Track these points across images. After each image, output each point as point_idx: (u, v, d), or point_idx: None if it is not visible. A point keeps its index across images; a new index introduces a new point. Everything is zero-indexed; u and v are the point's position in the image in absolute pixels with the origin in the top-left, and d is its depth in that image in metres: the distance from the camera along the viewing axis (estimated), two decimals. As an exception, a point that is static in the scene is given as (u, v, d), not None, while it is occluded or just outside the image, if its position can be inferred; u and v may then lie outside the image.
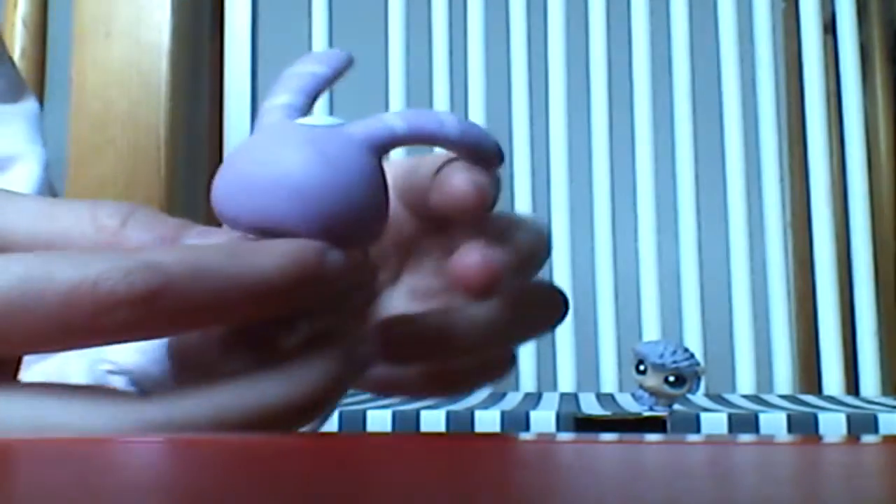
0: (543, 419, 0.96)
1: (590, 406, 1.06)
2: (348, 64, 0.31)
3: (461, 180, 0.27)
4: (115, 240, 0.26)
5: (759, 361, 1.27)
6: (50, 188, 0.56)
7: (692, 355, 0.90)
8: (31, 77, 1.08)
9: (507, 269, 0.27)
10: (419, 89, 1.33)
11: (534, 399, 1.13)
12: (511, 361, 0.33)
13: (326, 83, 0.29)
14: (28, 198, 0.27)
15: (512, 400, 1.12)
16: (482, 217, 0.28)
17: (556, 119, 1.32)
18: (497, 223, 0.30)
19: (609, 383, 1.27)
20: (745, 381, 1.26)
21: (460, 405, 1.04)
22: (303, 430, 0.28)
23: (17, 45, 1.10)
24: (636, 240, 1.30)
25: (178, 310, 0.24)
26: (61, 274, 0.23)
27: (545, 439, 0.27)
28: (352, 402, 1.01)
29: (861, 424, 0.95)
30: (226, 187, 0.26)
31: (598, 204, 1.31)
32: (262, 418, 0.25)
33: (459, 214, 0.28)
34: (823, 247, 1.29)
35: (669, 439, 0.26)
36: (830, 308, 1.28)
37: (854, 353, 1.28)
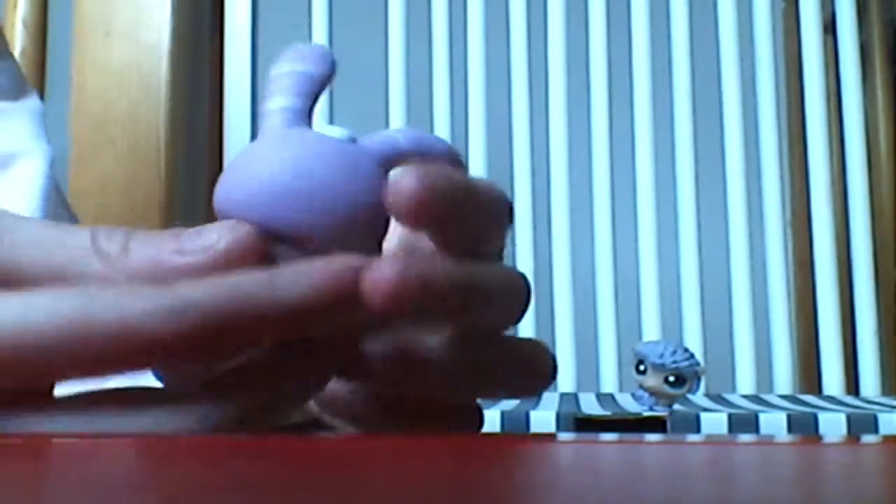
0: (543, 419, 0.96)
1: (590, 406, 1.06)
2: (334, 63, 0.30)
3: (408, 178, 0.25)
4: (120, 265, 0.26)
5: (759, 361, 1.27)
6: (56, 186, 0.56)
7: (692, 355, 0.90)
8: (31, 77, 1.08)
9: (425, 289, 0.24)
10: (419, 89, 1.33)
11: (534, 399, 1.13)
12: (473, 417, 0.31)
13: (322, 85, 0.29)
14: (30, 224, 0.27)
15: (512, 400, 1.12)
16: (445, 225, 0.26)
17: (556, 119, 1.32)
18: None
19: (609, 383, 1.27)
20: (745, 381, 1.26)
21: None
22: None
23: (17, 45, 1.10)
24: (636, 240, 1.30)
25: (218, 343, 0.24)
26: (104, 315, 0.24)
27: (545, 439, 0.27)
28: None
29: (861, 424, 0.95)
30: (235, 192, 0.26)
31: (598, 204, 1.31)
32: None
33: (408, 217, 0.25)
34: (823, 247, 1.29)
35: (669, 439, 0.26)
36: (830, 308, 1.28)
37: (854, 353, 1.28)
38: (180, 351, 0.24)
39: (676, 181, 1.31)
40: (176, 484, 0.17)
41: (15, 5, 1.11)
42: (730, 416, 0.95)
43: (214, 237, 0.26)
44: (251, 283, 0.24)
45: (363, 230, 0.26)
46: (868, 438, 0.26)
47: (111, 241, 0.26)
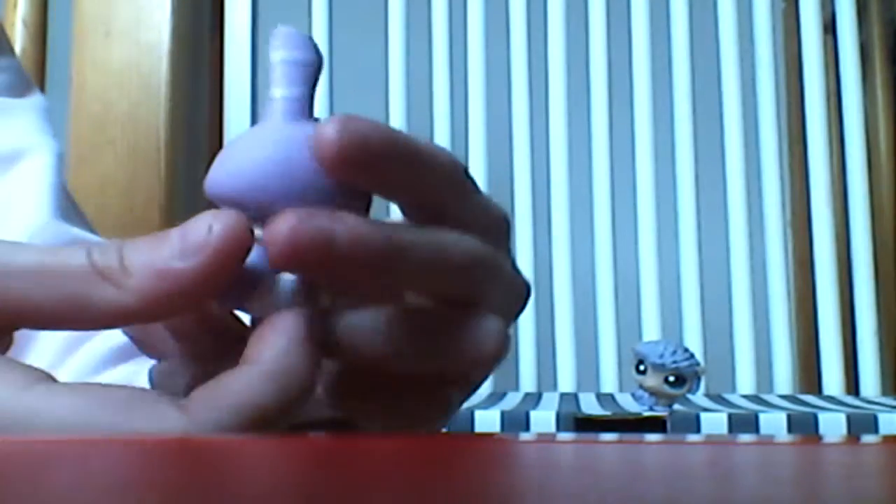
0: (543, 419, 0.96)
1: (590, 406, 1.06)
2: (319, 51, 0.30)
3: (330, 126, 0.26)
4: (121, 280, 0.26)
5: (759, 361, 1.27)
6: (63, 182, 0.56)
7: (692, 355, 0.90)
8: (31, 77, 1.08)
9: (321, 243, 0.25)
10: (419, 89, 1.33)
11: (534, 399, 1.13)
12: (445, 403, 0.31)
13: (316, 71, 0.29)
14: (26, 254, 0.27)
15: (512, 400, 1.12)
16: (374, 177, 0.27)
17: (556, 119, 1.32)
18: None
19: (609, 383, 1.27)
20: (745, 381, 1.26)
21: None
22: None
23: (17, 45, 1.10)
24: (636, 240, 1.30)
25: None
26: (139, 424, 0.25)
27: (545, 439, 0.27)
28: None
29: (861, 424, 0.95)
30: (232, 175, 0.27)
31: (598, 204, 1.31)
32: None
33: (331, 165, 0.26)
34: (823, 247, 1.29)
35: (669, 439, 0.26)
36: (830, 308, 1.28)
37: (854, 353, 1.28)
38: None
39: (676, 181, 1.31)
40: (175, 483, 0.17)
41: (15, 5, 1.11)
42: (730, 416, 0.95)
43: (204, 230, 0.26)
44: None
45: (340, 208, 0.27)
46: (868, 438, 0.26)
47: (106, 256, 0.26)
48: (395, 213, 0.30)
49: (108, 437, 0.24)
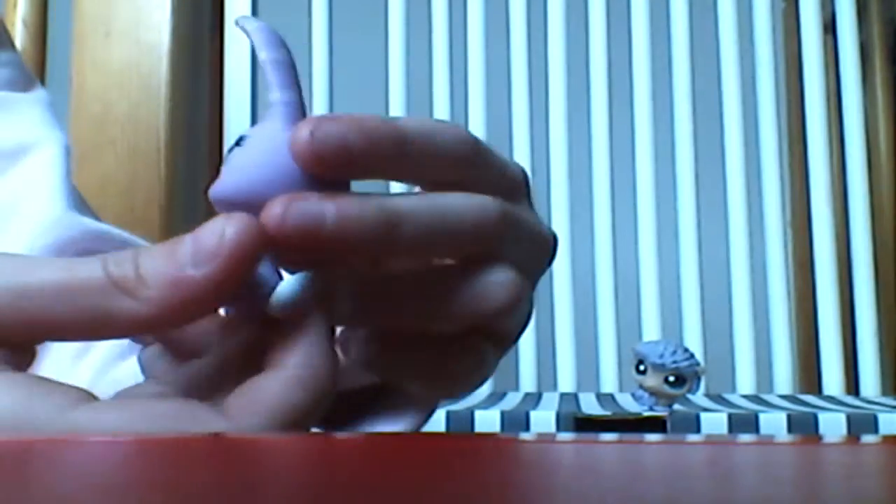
0: (543, 419, 0.96)
1: (590, 406, 1.06)
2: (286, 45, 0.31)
3: (301, 129, 0.27)
4: (137, 290, 0.26)
5: (759, 361, 1.27)
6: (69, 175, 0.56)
7: (692, 355, 0.90)
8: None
9: (314, 223, 0.26)
10: (419, 89, 1.33)
11: (534, 399, 1.13)
12: (480, 360, 0.32)
13: (293, 69, 0.30)
14: (42, 269, 0.27)
15: (512, 400, 1.12)
16: (354, 168, 0.28)
17: (556, 119, 1.32)
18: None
19: (609, 383, 1.27)
20: (745, 381, 1.26)
21: (460, 405, 1.04)
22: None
23: (17, 45, 1.10)
24: (636, 240, 1.30)
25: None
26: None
27: (545, 439, 0.27)
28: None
29: (861, 424, 0.95)
30: (236, 182, 0.28)
31: (598, 204, 1.31)
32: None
33: (308, 167, 0.27)
34: (823, 247, 1.29)
35: (669, 439, 0.26)
36: (830, 308, 1.28)
37: (854, 353, 1.28)
38: None
39: (676, 181, 1.31)
40: (175, 483, 0.17)
41: (15, 5, 1.11)
42: (730, 416, 0.95)
43: (217, 235, 0.26)
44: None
45: None
46: (868, 438, 0.26)
47: (122, 268, 0.26)
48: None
49: (109, 437, 0.24)
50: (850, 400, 1.17)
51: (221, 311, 0.31)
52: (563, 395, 1.19)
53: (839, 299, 1.28)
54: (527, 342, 1.27)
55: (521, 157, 1.30)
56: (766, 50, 1.33)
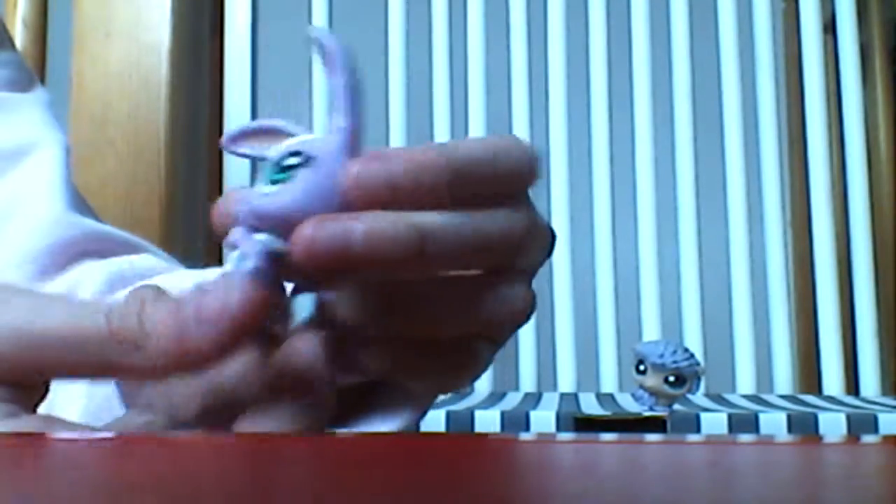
0: (543, 419, 0.96)
1: (590, 406, 1.06)
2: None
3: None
4: (141, 343, 0.27)
5: (759, 361, 1.27)
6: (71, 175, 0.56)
7: (692, 355, 0.90)
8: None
9: (342, 243, 0.27)
10: (419, 89, 1.33)
11: (534, 399, 1.13)
12: (477, 359, 0.32)
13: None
14: (47, 313, 0.28)
15: (512, 400, 1.12)
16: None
17: (556, 119, 1.32)
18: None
19: (609, 383, 1.27)
20: (745, 381, 1.26)
21: (460, 405, 1.04)
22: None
23: (17, 45, 1.10)
24: (636, 240, 1.30)
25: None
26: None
27: (545, 439, 0.27)
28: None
29: (861, 424, 0.95)
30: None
31: (598, 204, 1.31)
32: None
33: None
34: (823, 247, 1.29)
35: (669, 439, 0.26)
36: (830, 308, 1.27)
37: (854, 353, 1.28)
38: None
39: (676, 181, 1.31)
40: (174, 483, 0.17)
41: (15, 5, 1.11)
42: (730, 416, 0.95)
43: (220, 303, 0.27)
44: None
45: None
46: (868, 438, 0.26)
47: (126, 322, 0.27)
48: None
49: (110, 438, 0.24)
50: (850, 400, 1.17)
51: None
52: (563, 395, 1.19)
53: (839, 299, 1.28)
54: (527, 342, 1.27)
55: (521, 157, 1.30)
56: (766, 50, 1.33)
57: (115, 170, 1.12)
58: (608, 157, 1.31)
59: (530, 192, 0.33)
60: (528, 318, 0.33)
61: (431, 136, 1.31)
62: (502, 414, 0.97)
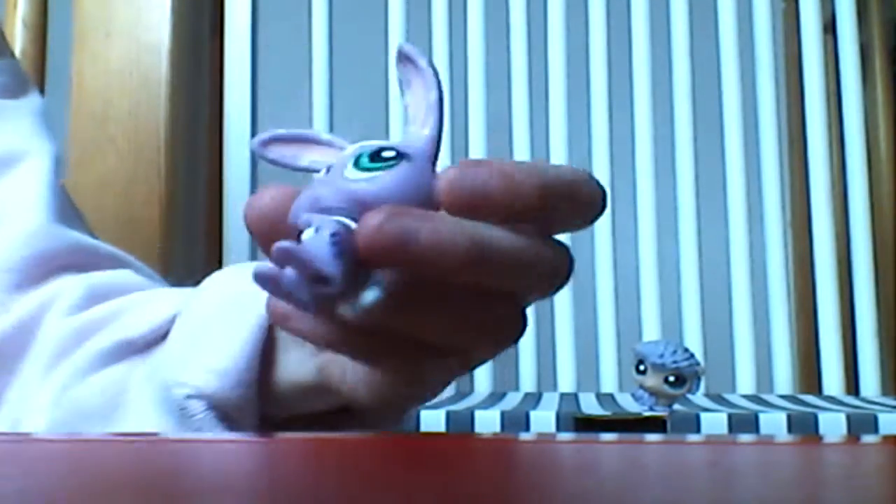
0: (543, 419, 0.96)
1: (590, 406, 1.06)
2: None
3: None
4: None
5: (759, 361, 1.27)
6: (62, 183, 0.55)
7: (692, 355, 0.90)
8: (31, 77, 1.08)
9: (405, 241, 0.28)
10: (419, 89, 1.33)
11: (534, 399, 1.13)
12: (453, 371, 0.33)
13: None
14: None
15: (512, 400, 1.12)
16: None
17: (556, 119, 1.32)
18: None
19: (609, 383, 1.27)
20: (745, 381, 1.26)
21: (460, 405, 1.04)
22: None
23: (17, 45, 1.10)
24: (636, 240, 1.30)
25: None
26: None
27: (545, 439, 0.27)
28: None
29: (861, 424, 0.95)
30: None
31: (598, 204, 1.30)
32: None
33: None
34: (823, 247, 1.29)
35: (669, 439, 0.26)
36: (830, 308, 1.27)
37: (854, 353, 1.28)
38: None
39: (676, 181, 1.31)
40: (174, 483, 0.17)
41: (15, 5, 1.11)
42: (730, 416, 0.95)
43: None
44: None
45: None
46: (868, 438, 0.26)
47: None
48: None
49: (110, 437, 0.24)
50: (850, 400, 1.17)
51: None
52: (563, 395, 1.19)
53: (839, 299, 1.28)
54: (527, 342, 1.27)
55: (521, 157, 1.30)
56: (766, 50, 1.33)
57: (115, 168, 1.12)
58: (608, 156, 1.31)
59: None
60: (514, 342, 0.33)
61: (431, 136, 1.31)
62: (502, 414, 0.97)
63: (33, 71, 1.09)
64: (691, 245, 1.29)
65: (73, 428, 0.44)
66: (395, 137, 1.31)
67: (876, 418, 0.96)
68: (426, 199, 0.29)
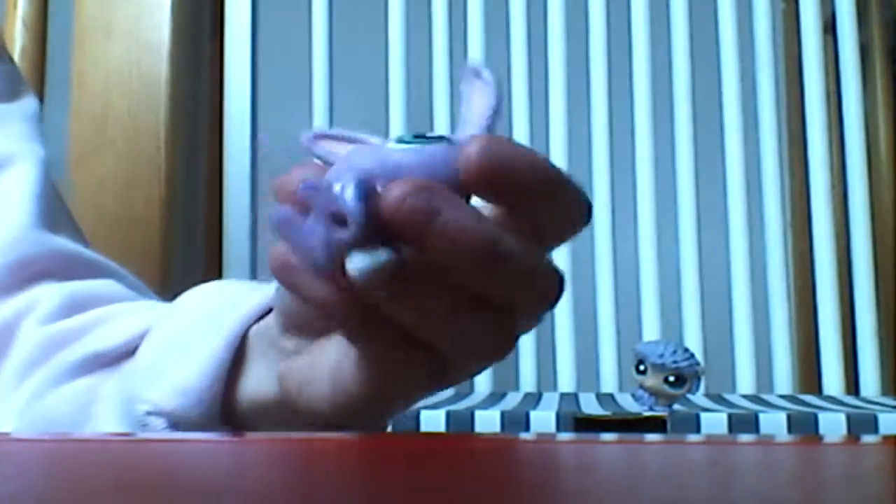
0: (543, 419, 0.96)
1: (590, 406, 1.06)
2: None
3: (474, 148, 0.30)
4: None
5: (759, 361, 1.27)
6: (52, 187, 0.55)
7: (692, 355, 0.90)
8: (31, 77, 1.08)
9: (431, 214, 0.28)
10: (419, 89, 1.33)
11: (534, 399, 1.13)
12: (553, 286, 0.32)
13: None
14: None
15: (512, 400, 1.12)
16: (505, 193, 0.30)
17: (556, 119, 1.32)
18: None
19: (609, 383, 1.27)
20: (745, 381, 1.26)
21: (460, 405, 1.04)
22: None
23: (17, 44, 1.10)
24: (636, 240, 1.30)
25: None
26: None
27: (545, 439, 0.27)
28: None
29: (861, 424, 0.95)
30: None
31: (598, 204, 1.30)
32: None
33: (473, 184, 0.30)
34: (823, 247, 1.29)
35: (669, 439, 0.26)
36: (830, 308, 1.27)
37: (854, 353, 1.28)
38: None
39: (676, 181, 1.31)
40: (173, 483, 0.17)
41: (15, 5, 1.11)
42: (730, 416, 0.95)
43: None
44: None
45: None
46: (868, 438, 0.26)
47: None
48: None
49: (110, 437, 0.24)
50: (850, 400, 1.17)
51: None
52: (563, 395, 1.19)
53: (839, 299, 1.28)
54: (527, 342, 1.27)
55: (521, 157, 1.30)
56: (766, 50, 1.33)
57: (114, 169, 1.12)
58: (608, 156, 1.31)
59: None
60: (499, 358, 0.32)
61: (431, 136, 1.31)
62: (502, 414, 0.97)
63: (33, 71, 1.09)
64: (691, 245, 1.29)
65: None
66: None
67: (876, 418, 0.96)
68: (456, 182, 0.30)
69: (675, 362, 0.88)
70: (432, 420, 0.96)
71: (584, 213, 0.32)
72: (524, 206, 0.31)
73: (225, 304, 0.41)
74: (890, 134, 1.37)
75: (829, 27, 1.36)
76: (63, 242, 0.52)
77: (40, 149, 0.55)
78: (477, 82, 0.33)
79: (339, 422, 0.33)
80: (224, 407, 0.40)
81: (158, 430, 0.39)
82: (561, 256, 1.28)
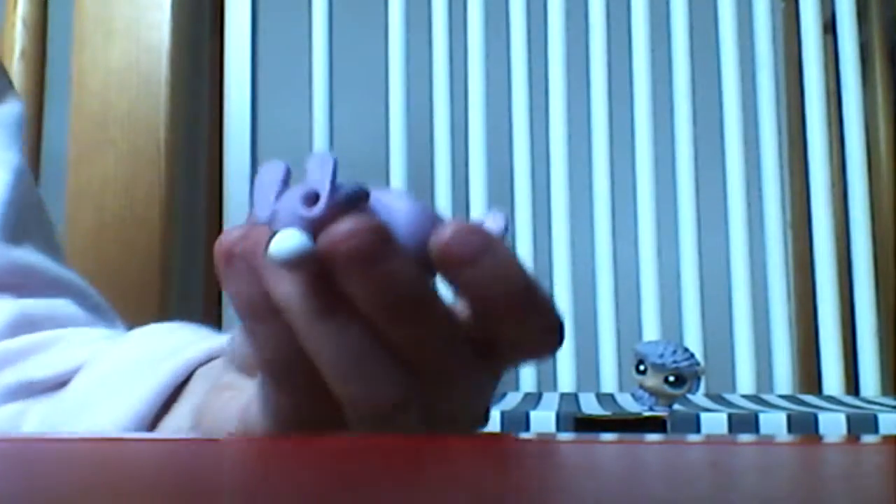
0: (543, 419, 0.96)
1: (590, 406, 1.06)
2: None
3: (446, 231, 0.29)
4: None
5: (759, 361, 1.27)
6: (25, 195, 0.54)
7: (692, 355, 0.90)
8: (31, 77, 1.08)
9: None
10: (419, 89, 1.33)
11: (534, 399, 1.13)
12: (552, 334, 0.32)
13: None
14: None
15: (512, 400, 1.12)
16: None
17: (556, 119, 1.32)
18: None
19: (609, 383, 1.27)
20: (745, 381, 1.26)
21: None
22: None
23: (17, 45, 1.10)
24: (636, 240, 1.30)
25: None
26: None
27: (545, 439, 0.27)
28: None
29: (861, 424, 0.95)
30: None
31: (598, 204, 1.31)
32: None
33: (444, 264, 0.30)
34: (823, 247, 1.29)
35: (669, 439, 0.26)
36: (830, 308, 1.27)
37: (854, 353, 1.28)
38: None
39: (676, 181, 1.31)
40: (174, 483, 0.17)
41: (15, 5, 1.11)
42: (730, 416, 0.95)
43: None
44: None
45: None
46: (868, 438, 0.26)
47: None
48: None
49: (110, 438, 0.24)
50: (850, 400, 1.17)
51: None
52: (563, 395, 1.19)
53: (839, 299, 1.28)
54: (527, 342, 1.27)
55: (521, 157, 1.30)
56: (766, 50, 1.33)
57: (115, 169, 1.12)
58: (608, 156, 1.31)
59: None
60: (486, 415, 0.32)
61: (431, 137, 1.31)
62: (502, 414, 0.97)
63: (33, 71, 1.09)
64: (691, 245, 1.29)
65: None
66: (395, 137, 1.31)
67: (876, 418, 0.96)
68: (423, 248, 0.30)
69: (675, 362, 0.88)
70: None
71: (553, 335, 0.31)
72: (485, 311, 0.30)
73: (175, 345, 0.41)
74: (890, 134, 1.37)
75: (829, 27, 1.36)
76: (22, 255, 0.51)
77: (13, 156, 0.54)
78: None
79: None
80: None
81: None
82: (561, 256, 1.28)
